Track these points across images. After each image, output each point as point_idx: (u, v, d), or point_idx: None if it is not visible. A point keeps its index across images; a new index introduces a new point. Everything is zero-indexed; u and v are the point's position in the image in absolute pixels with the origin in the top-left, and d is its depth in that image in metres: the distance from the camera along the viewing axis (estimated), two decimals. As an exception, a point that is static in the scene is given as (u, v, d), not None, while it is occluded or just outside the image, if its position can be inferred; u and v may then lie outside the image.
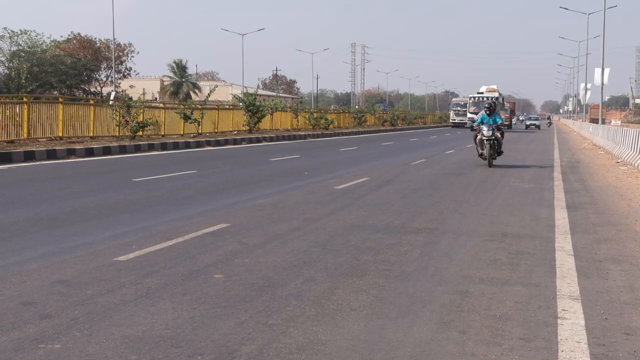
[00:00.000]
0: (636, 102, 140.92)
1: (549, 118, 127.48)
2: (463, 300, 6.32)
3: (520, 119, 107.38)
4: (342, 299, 6.24)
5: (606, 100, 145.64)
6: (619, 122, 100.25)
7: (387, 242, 8.87)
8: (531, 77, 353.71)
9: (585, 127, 58.49)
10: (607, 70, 50.23)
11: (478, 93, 68.78)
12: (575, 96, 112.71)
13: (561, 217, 11.40)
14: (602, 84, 48.46)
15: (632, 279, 7.31)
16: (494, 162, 21.46)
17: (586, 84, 75.36)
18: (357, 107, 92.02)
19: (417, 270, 7.43)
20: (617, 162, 24.76)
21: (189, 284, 6.57)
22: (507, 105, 79.41)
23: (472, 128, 62.58)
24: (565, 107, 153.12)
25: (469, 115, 65.90)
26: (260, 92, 64.95)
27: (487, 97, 63.56)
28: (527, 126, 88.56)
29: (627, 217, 11.73)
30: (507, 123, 74.06)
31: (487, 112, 21.79)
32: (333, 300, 6.18)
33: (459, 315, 5.84)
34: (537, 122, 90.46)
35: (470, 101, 68.74)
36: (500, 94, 69.69)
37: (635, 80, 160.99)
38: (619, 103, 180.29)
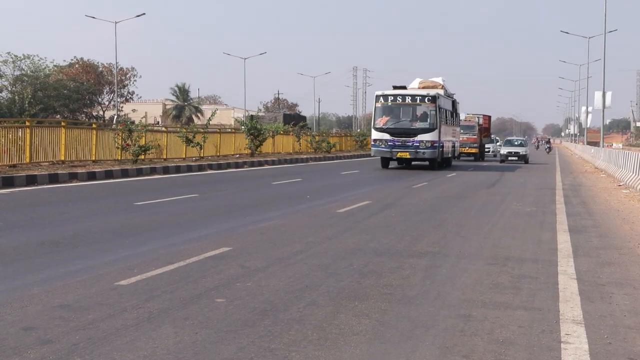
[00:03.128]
0: (637, 125, 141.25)
1: (548, 142, 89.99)
2: (466, 324, 6.29)
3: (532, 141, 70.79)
4: (345, 323, 6.22)
5: (607, 123, 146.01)
6: (620, 145, 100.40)
7: (389, 266, 8.85)
8: (532, 100, 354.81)
9: (587, 150, 58.19)
10: (608, 94, 50.39)
11: (396, 87, 34.12)
12: (577, 119, 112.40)
13: (564, 241, 11.37)
14: (603, 107, 48.56)
15: (636, 303, 7.27)
16: None
17: (587, 107, 75.31)
18: (358, 130, 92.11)
19: (419, 294, 7.40)
20: (619, 185, 24.74)
21: (191, 308, 6.55)
22: (469, 119, 50.29)
23: (385, 161, 33.76)
24: (567, 130, 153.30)
25: (374, 134, 33.45)
26: (262, 115, 65.07)
27: (415, 98, 32.86)
28: (504, 158, 46.70)
29: (630, 240, 11.70)
30: (472, 151, 49.03)
31: None
32: (335, 325, 6.15)
33: (462, 340, 5.81)
34: (521, 151, 46.82)
35: (379, 106, 33.26)
36: (449, 95, 39.18)
37: (637, 104, 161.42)
38: (621, 126, 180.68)
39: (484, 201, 18.08)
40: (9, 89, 60.70)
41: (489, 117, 57.68)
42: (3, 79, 60.63)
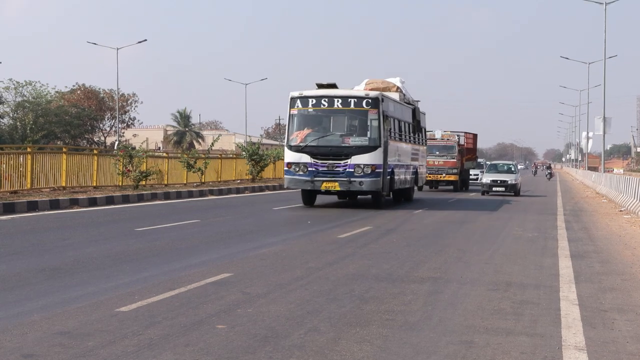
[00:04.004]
0: (638, 150, 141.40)
1: (549, 167, 79.45)
2: (468, 350, 6.26)
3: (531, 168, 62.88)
4: (346, 349, 6.19)
5: (608, 148, 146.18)
6: (621, 171, 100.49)
7: (390, 292, 8.82)
8: (533, 125, 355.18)
9: (588, 175, 58.12)
10: (608, 119, 50.40)
11: (322, 86, 22.90)
12: (578, 144, 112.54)
13: (565, 266, 11.35)
14: (604, 132, 48.57)
15: (638, 329, 7.25)
16: None
17: (587, 133, 75.42)
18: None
19: (421, 320, 7.38)
20: (621, 211, 24.72)
21: (192, 335, 6.52)
22: (446, 137, 39.81)
23: (308, 195, 23.53)
24: (568, 155, 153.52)
25: (288, 155, 22.89)
26: (264, 141, 65.21)
27: (348, 101, 22.35)
28: (487, 189, 35.02)
29: (632, 266, 11.68)
30: (451, 178, 38.79)
31: None
32: (337, 351, 6.13)
33: (464, 366, 5.78)
34: (509, 179, 35.22)
35: (295, 113, 22.72)
36: (408, 101, 28.21)
37: (637, 129, 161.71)
38: (621, 151, 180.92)
39: (485, 226, 18.07)
40: (11, 115, 60.87)
41: (474, 135, 45.90)
42: (5, 106, 60.82)
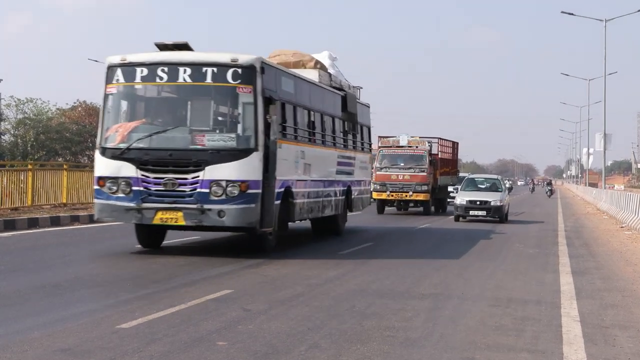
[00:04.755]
0: (639, 166, 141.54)
1: (549, 184, 73.12)
2: (469, 367, 6.24)
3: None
4: (347, 366, 6.17)
5: (609, 164, 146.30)
6: (622, 187, 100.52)
7: (391, 308, 8.81)
8: (533, 142, 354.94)
9: (589, 191, 58.10)
10: (609, 136, 50.43)
11: (165, 47, 13.58)
12: (578, 161, 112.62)
13: (566, 282, 11.34)
14: (604, 148, 48.61)
15: (640, 345, 7.23)
16: None
17: (588, 149, 75.58)
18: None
19: (422, 336, 7.37)
20: (622, 227, 24.69)
21: (192, 352, 6.51)
22: (413, 144, 30.75)
23: (142, 231, 14.16)
24: (568, 171, 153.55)
25: (100, 165, 13.42)
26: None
27: (202, 72, 12.98)
28: (462, 213, 26.29)
29: (633, 282, 11.67)
30: (421, 197, 30.00)
31: None
32: (337, 368, 6.11)
33: (465, 383, 5.76)
34: (492, 199, 25.97)
35: (114, 92, 13.43)
36: (337, 85, 18.72)
37: (638, 145, 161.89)
38: (622, 168, 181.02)
39: (486, 242, 18.05)
40: (12, 132, 60.98)
41: (454, 143, 37.73)
42: (6, 123, 60.96)
